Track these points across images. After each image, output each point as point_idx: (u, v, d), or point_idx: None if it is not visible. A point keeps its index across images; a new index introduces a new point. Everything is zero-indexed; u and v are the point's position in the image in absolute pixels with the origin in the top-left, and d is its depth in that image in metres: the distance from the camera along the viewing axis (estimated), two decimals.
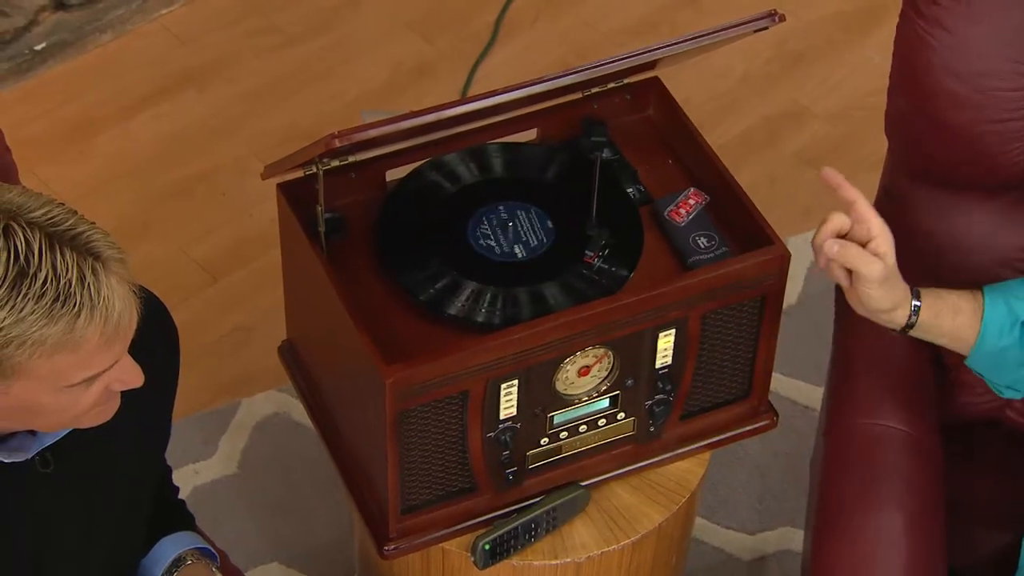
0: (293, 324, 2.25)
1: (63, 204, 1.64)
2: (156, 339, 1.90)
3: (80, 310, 1.59)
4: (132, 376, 1.71)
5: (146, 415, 1.90)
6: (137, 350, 1.71)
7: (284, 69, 3.51)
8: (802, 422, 2.91)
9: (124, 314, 1.63)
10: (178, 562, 2.03)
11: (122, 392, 1.76)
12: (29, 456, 1.76)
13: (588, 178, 2.09)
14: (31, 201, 1.62)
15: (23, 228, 1.58)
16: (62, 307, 1.59)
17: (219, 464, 2.90)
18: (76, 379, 1.65)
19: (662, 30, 3.60)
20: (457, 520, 2.08)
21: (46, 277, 1.58)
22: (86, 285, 1.59)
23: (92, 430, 1.75)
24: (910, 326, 2.01)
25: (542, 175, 2.14)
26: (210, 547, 2.08)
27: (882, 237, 1.95)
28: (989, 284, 2.05)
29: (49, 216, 1.61)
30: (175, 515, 2.10)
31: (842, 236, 1.95)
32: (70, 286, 1.58)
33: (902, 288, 1.99)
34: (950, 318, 2.02)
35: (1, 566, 1.82)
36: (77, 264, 1.59)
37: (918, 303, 2.00)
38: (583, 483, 2.11)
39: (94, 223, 1.65)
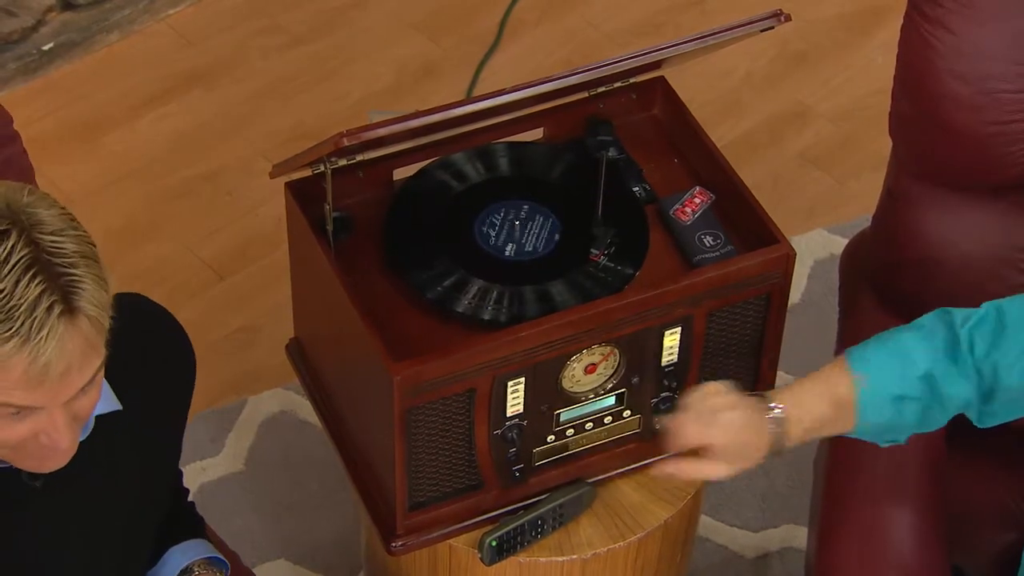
0: (300, 322, 2.25)
1: (91, 248, 1.58)
2: (163, 357, 1.88)
3: (12, 336, 1.53)
4: (59, 438, 1.62)
5: (151, 432, 1.87)
6: (141, 365, 1.67)
7: (290, 69, 3.52)
8: None
9: (55, 365, 1.56)
10: (186, 573, 2.00)
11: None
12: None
13: (594, 177, 2.09)
14: (55, 224, 1.57)
15: (18, 241, 1.54)
16: None
17: (226, 461, 2.90)
18: None
19: (666, 31, 3.60)
20: (464, 517, 2.08)
21: (1, 291, 1.53)
22: (33, 318, 1.53)
23: (87, 447, 1.71)
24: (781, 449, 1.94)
25: (548, 174, 2.15)
26: (219, 555, 2.04)
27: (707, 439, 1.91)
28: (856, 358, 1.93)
29: (56, 246, 1.56)
30: (184, 521, 2.07)
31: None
32: (17, 310, 1.53)
33: (758, 442, 1.93)
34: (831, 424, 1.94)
35: None
36: (39, 296, 1.53)
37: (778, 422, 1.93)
38: (589, 480, 2.12)
39: (105, 282, 1.58)
